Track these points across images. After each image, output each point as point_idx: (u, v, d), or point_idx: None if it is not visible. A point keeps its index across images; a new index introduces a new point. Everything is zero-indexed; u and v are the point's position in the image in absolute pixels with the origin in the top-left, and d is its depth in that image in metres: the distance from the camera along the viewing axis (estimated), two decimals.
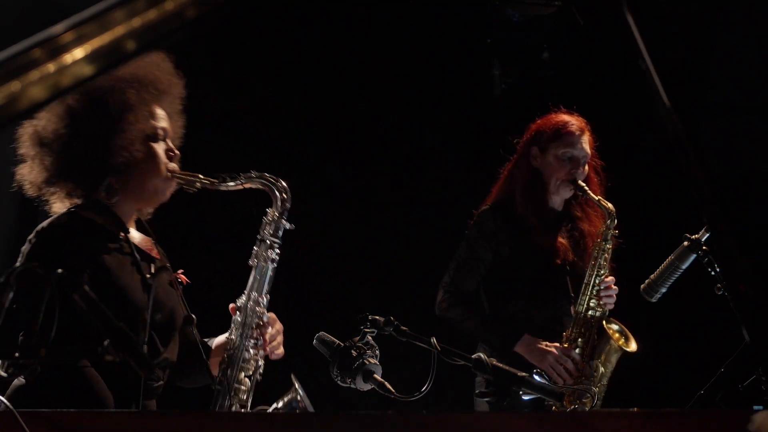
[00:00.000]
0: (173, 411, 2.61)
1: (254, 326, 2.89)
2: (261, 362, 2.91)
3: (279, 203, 2.92)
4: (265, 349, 2.90)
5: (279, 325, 2.96)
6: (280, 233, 2.93)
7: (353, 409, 2.07)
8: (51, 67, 1.52)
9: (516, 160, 4.19)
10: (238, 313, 2.90)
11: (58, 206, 2.85)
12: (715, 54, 5.89)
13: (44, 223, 2.76)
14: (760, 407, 2.05)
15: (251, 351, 2.88)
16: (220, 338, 3.00)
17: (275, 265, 2.93)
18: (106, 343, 1.76)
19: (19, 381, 2.67)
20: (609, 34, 5.21)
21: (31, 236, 2.74)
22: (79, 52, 1.53)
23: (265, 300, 2.92)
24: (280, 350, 2.95)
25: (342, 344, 2.62)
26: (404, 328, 2.63)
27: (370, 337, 2.62)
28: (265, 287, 2.92)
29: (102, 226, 2.78)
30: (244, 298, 2.91)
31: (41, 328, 1.78)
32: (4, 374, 2.38)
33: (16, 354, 1.78)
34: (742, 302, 1.91)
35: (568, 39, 5.68)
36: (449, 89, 5.73)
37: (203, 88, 5.34)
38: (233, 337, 2.89)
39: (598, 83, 5.53)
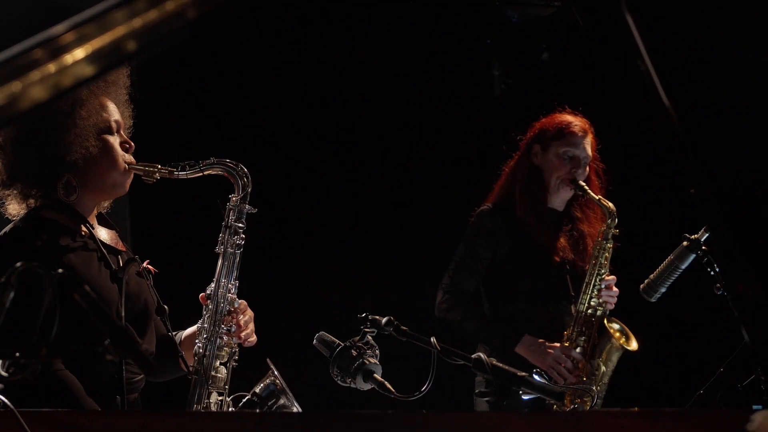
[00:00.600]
0: (173, 411, 2.62)
1: (226, 313, 2.88)
2: (235, 349, 2.90)
3: (241, 188, 2.92)
4: (239, 336, 2.89)
5: (250, 312, 2.95)
6: (244, 218, 2.93)
7: (353, 408, 2.08)
8: (52, 67, 1.53)
9: (518, 157, 4.20)
10: (208, 301, 2.90)
11: (14, 207, 2.83)
12: (715, 54, 5.89)
13: (6, 230, 2.75)
14: (760, 407, 2.05)
15: (225, 338, 2.87)
16: (189, 330, 3.00)
17: (242, 250, 2.92)
18: (106, 342, 1.76)
19: None
20: (608, 35, 5.21)
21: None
22: (79, 53, 1.54)
23: (234, 287, 2.92)
24: (253, 338, 2.94)
25: (342, 344, 2.63)
26: (404, 327, 2.63)
27: (370, 337, 2.62)
28: (234, 273, 2.91)
29: (64, 225, 2.77)
30: (213, 285, 2.90)
31: (41, 327, 1.79)
32: (4, 374, 2.38)
33: (17, 353, 1.78)
34: (741, 302, 1.91)
35: (567, 39, 5.68)
36: (449, 89, 5.73)
37: (205, 86, 5.35)
38: (206, 325, 2.88)
39: (597, 84, 5.53)
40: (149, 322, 2.86)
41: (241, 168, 2.91)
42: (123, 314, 2.70)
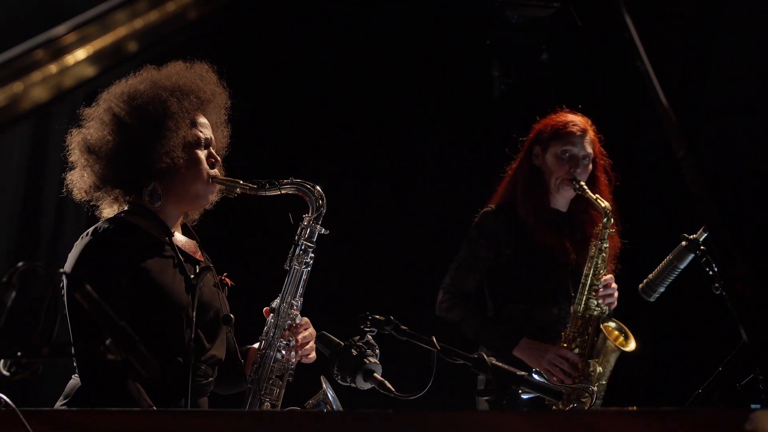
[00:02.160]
0: (175, 409, 2.62)
1: (286, 328, 2.94)
2: (292, 363, 2.95)
3: (315, 209, 3.01)
4: (296, 352, 2.95)
5: (312, 330, 3.00)
6: (315, 238, 3.01)
7: (353, 407, 2.09)
8: (53, 68, 1.54)
9: (519, 159, 4.21)
10: (271, 315, 2.96)
11: (107, 211, 2.96)
12: (714, 55, 5.90)
13: (89, 231, 2.84)
14: (758, 406, 2.06)
15: (283, 352, 2.93)
16: (256, 345, 3.03)
17: (309, 268, 2.99)
18: (108, 342, 1.77)
19: (75, 380, 2.75)
20: (608, 36, 5.22)
21: (85, 234, 2.83)
22: (81, 53, 1.55)
23: (298, 303, 2.97)
24: (312, 355, 2.98)
25: (342, 343, 2.63)
26: (404, 327, 2.64)
27: (370, 336, 2.63)
28: (299, 290, 2.98)
29: (145, 231, 2.86)
30: (278, 300, 2.96)
31: (43, 326, 1.80)
32: (6, 373, 2.38)
33: (19, 353, 1.79)
34: (739, 301, 1.92)
35: (567, 40, 5.68)
36: (449, 90, 5.73)
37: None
38: (266, 337, 2.94)
39: (597, 84, 5.53)
40: (219, 330, 2.92)
41: (318, 190, 3.02)
42: (194, 319, 2.76)
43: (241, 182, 2.95)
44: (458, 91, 5.73)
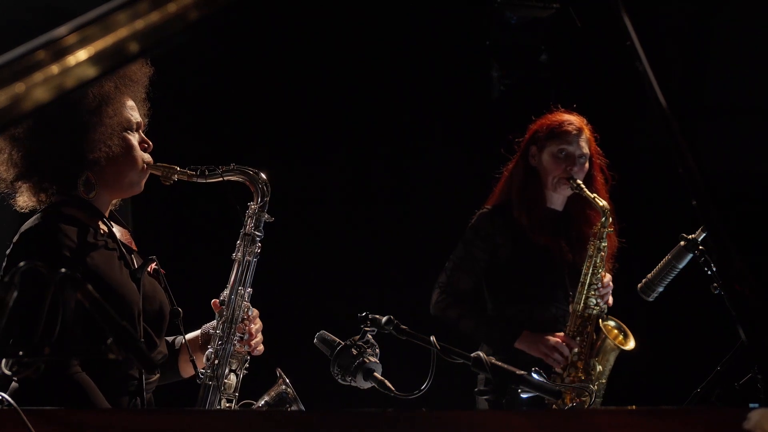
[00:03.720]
0: (176, 409, 2.62)
1: (240, 321, 2.87)
2: (247, 357, 2.89)
3: (260, 197, 2.91)
4: (249, 344, 2.88)
5: (260, 322, 2.94)
6: (262, 226, 2.92)
7: (353, 407, 2.09)
8: (55, 68, 1.54)
9: (515, 159, 4.22)
10: (223, 307, 2.88)
11: (24, 199, 2.78)
12: (712, 56, 5.91)
13: (30, 225, 2.69)
14: (756, 405, 2.07)
15: (237, 345, 2.86)
16: (189, 336, 2.95)
17: (258, 258, 2.91)
18: (108, 341, 1.77)
19: (14, 383, 2.66)
20: (607, 36, 5.23)
21: (15, 238, 2.69)
22: (82, 54, 1.55)
23: (248, 294, 2.91)
24: (261, 347, 2.93)
25: (342, 343, 2.64)
26: (404, 326, 2.65)
27: (370, 336, 2.64)
28: (249, 281, 2.90)
29: (85, 223, 2.73)
30: (227, 292, 2.89)
31: (44, 326, 1.80)
32: (8, 372, 2.38)
33: (20, 352, 1.79)
34: (738, 301, 1.93)
35: (566, 41, 5.70)
36: (448, 91, 5.74)
37: (207, 84, 5.36)
38: (219, 331, 2.86)
39: (595, 85, 5.55)
40: (165, 323, 2.84)
41: (262, 176, 2.90)
42: (142, 314, 2.69)
43: (179, 169, 2.83)
44: (457, 92, 5.74)
